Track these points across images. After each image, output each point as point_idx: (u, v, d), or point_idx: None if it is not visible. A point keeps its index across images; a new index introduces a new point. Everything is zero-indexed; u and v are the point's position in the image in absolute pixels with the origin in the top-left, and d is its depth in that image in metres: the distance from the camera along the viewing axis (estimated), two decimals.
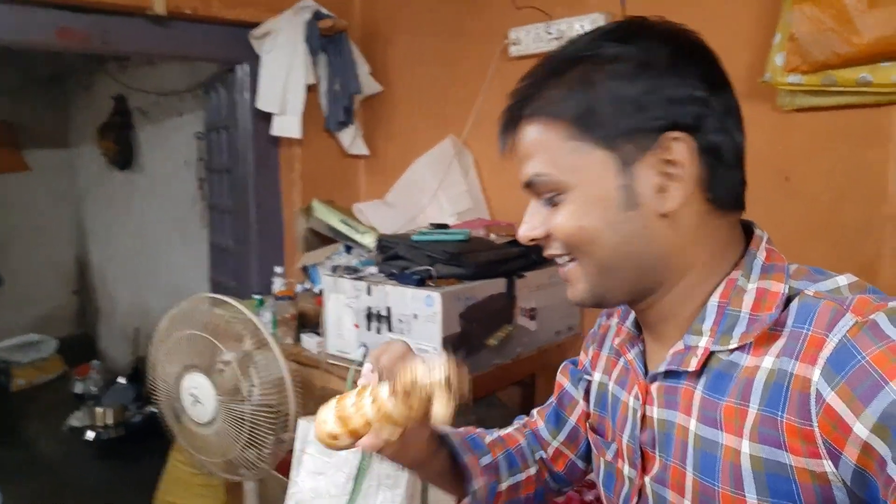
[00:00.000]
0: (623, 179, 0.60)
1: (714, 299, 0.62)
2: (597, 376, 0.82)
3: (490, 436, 0.90)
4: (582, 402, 0.86)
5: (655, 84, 0.59)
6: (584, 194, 0.61)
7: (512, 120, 0.65)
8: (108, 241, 4.51)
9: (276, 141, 2.34)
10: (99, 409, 3.45)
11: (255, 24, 2.18)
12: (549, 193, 0.64)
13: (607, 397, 0.78)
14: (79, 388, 4.01)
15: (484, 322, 1.54)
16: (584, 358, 0.88)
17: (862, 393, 0.50)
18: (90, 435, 3.41)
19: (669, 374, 0.65)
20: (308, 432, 0.91)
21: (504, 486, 0.86)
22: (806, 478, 0.54)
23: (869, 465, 0.50)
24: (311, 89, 2.25)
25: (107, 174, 4.32)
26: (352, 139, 2.39)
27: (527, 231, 0.67)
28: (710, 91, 0.60)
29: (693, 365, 0.62)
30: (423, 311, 1.44)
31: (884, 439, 0.48)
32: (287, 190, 2.40)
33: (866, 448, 0.50)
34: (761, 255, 0.63)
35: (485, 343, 1.55)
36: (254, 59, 2.23)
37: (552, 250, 0.67)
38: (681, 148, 0.59)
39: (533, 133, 0.63)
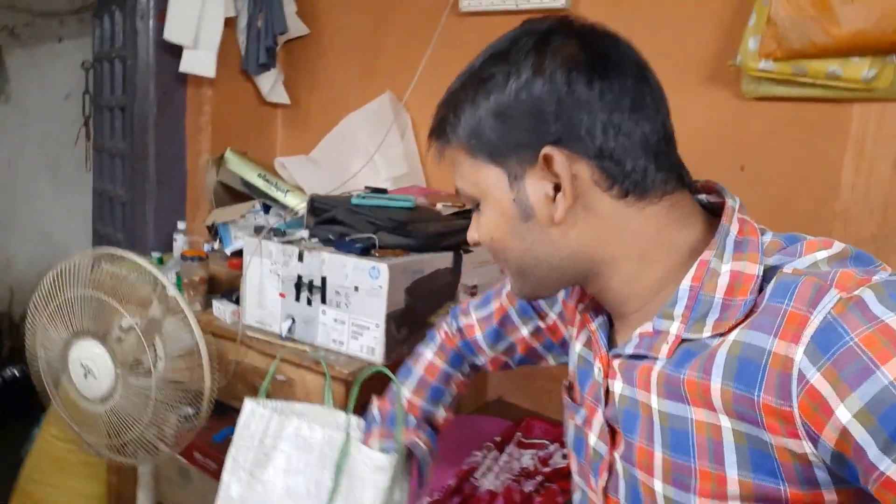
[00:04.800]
0: (515, 193, 0.62)
1: (686, 283, 0.60)
2: (572, 331, 0.80)
3: (408, 388, 0.96)
4: (525, 332, 0.92)
5: (524, 96, 0.59)
6: (491, 207, 0.65)
7: (433, 143, 0.69)
8: None
9: (184, 79, 2.07)
10: None
11: None
12: (471, 204, 0.68)
13: (574, 357, 0.78)
14: None
15: (428, 298, 1.42)
16: (543, 301, 0.89)
17: (849, 376, 0.47)
18: None
19: (635, 356, 0.64)
20: (284, 426, 0.83)
21: (440, 415, 0.97)
22: (786, 456, 0.53)
23: (846, 449, 0.49)
24: (229, 24, 2.00)
25: None
26: (271, 85, 2.16)
27: (469, 237, 0.71)
28: (589, 87, 0.59)
29: (664, 352, 0.60)
30: (365, 284, 1.30)
31: (866, 426, 0.47)
32: (193, 136, 2.14)
33: (844, 433, 0.48)
34: (734, 229, 0.60)
35: (427, 321, 1.43)
36: None
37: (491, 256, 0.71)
38: (557, 161, 0.59)
39: (447, 152, 0.67)
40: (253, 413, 0.94)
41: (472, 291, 1.59)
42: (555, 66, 0.59)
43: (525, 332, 0.92)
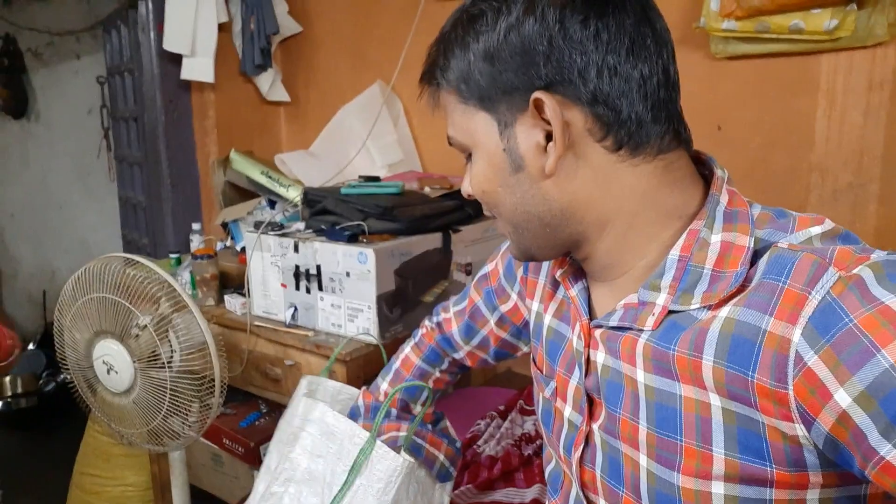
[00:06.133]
0: (505, 142, 0.59)
1: (675, 252, 0.58)
2: (534, 305, 0.79)
3: (386, 380, 1.00)
4: (492, 324, 0.91)
5: (514, 37, 0.56)
6: (481, 157, 0.62)
7: (424, 88, 0.66)
8: (4, 198, 4.14)
9: (188, 86, 2.17)
10: (7, 378, 3.21)
11: None
12: (464, 154, 0.65)
13: (542, 330, 0.76)
14: None
15: (419, 278, 1.49)
16: (506, 282, 0.88)
17: (849, 359, 0.46)
18: None
19: (619, 328, 0.62)
20: (311, 410, 0.89)
21: (416, 410, 0.98)
22: (777, 437, 0.52)
23: (842, 434, 0.47)
24: (224, 29, 2.09)
25: None
26: (270, 84, 2.24)
27: (462, 189, 0.68)
28: (584, 27, 0.55)
29: (649, 324, 0.58)
30: (355, 269, 1.38)
31: (866, 410, 0.46)
32: (201, 140, 2.25)
33: (843, 417, 0.47)
34: (723, 200, 0.58)
35: (420, 300, 1.50)
36: None
37: (484, 209, 0.68)
38: (548, 106, 0.56)
39: (440, 99, 0.64)
40: (297, 392, 0.99)
41: (467, 269, 1.65)
42: (547, 2, 0.55)
43: (493, 322, 0.91)
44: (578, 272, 0.69)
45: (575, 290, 0.68)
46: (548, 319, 0.75)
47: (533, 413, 1.65)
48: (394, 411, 0.96)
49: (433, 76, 0.63)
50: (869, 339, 0.46)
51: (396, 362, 1.01)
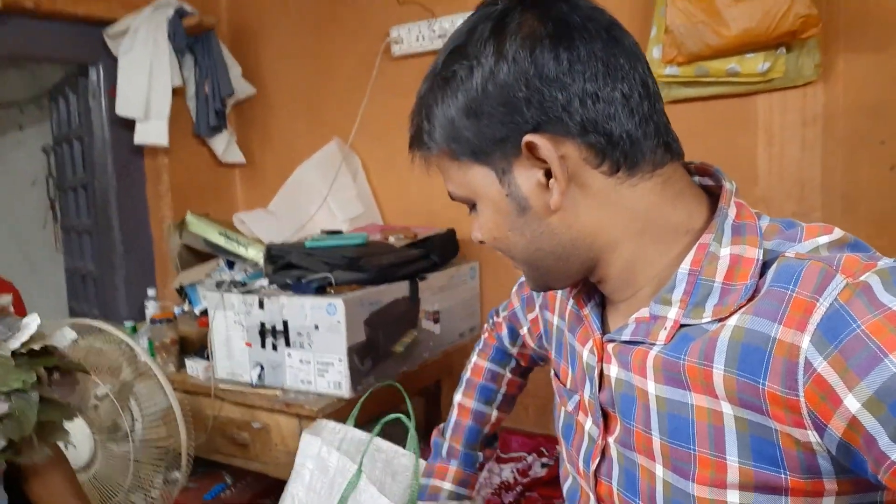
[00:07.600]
0: (506, 188, 0.60)
1: (685, 266, 0.58)
2: (555, 320, 0.80)
3: (460, 392, 0.99)
4: (525, 330, 0.91)
5: (491, 87, 0.57)
6: (486, 206, 0.63)
7: (415, 153, 0.67)
8: None
9: (140, 151, 2.14)
10: None
11: (108, 22, 1.98)
12: (468, 205, 0.66)
13: (563, 343, 0.76)
14: None
15: (389, 328, 1.48)
16: (536, 297, 0.89)
17: (858, 364, 0.46)
18: None
19: (631, 342, 0.62)
20: (309, 446, 0.91)
21: (493, 416, 0.98)
22: (790, 444, 0.52)
23: (854, 439, 0.48)
24: (178, 93, 2.09)
25: None
26: (225, 146, 2.24)
27: (473, 237, 0.69)
28: (556, 62, 0.56)
29: (661, 338, 0.59)
30: (324, 321, 1.36)
31: (876, 415, 0.46)
32: (155, 204, 2.21)
33: (853, 422, 0.47)
34: (731, 213, 0.59)
35: (391, 350, 1.49)
36: (109, 60, 2.03)
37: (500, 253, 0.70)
38: (541, 147, 0.57)
39: (432, 161, 0.65)
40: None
41: (435, 317, 1.65)
42: (516, 46, 0.56)
43: (525, 328, 0.92)
44: (591, 290, 0.70)
45: (588, 308, 0.69)
46: (567, 335, 0.76)
47: (510, 461, 1.63)
48: (465, 424, 0.96)
49: (421, 141, 0.64)
50: (877, 344, 0.46)
51: (467, 373, 1.00)
